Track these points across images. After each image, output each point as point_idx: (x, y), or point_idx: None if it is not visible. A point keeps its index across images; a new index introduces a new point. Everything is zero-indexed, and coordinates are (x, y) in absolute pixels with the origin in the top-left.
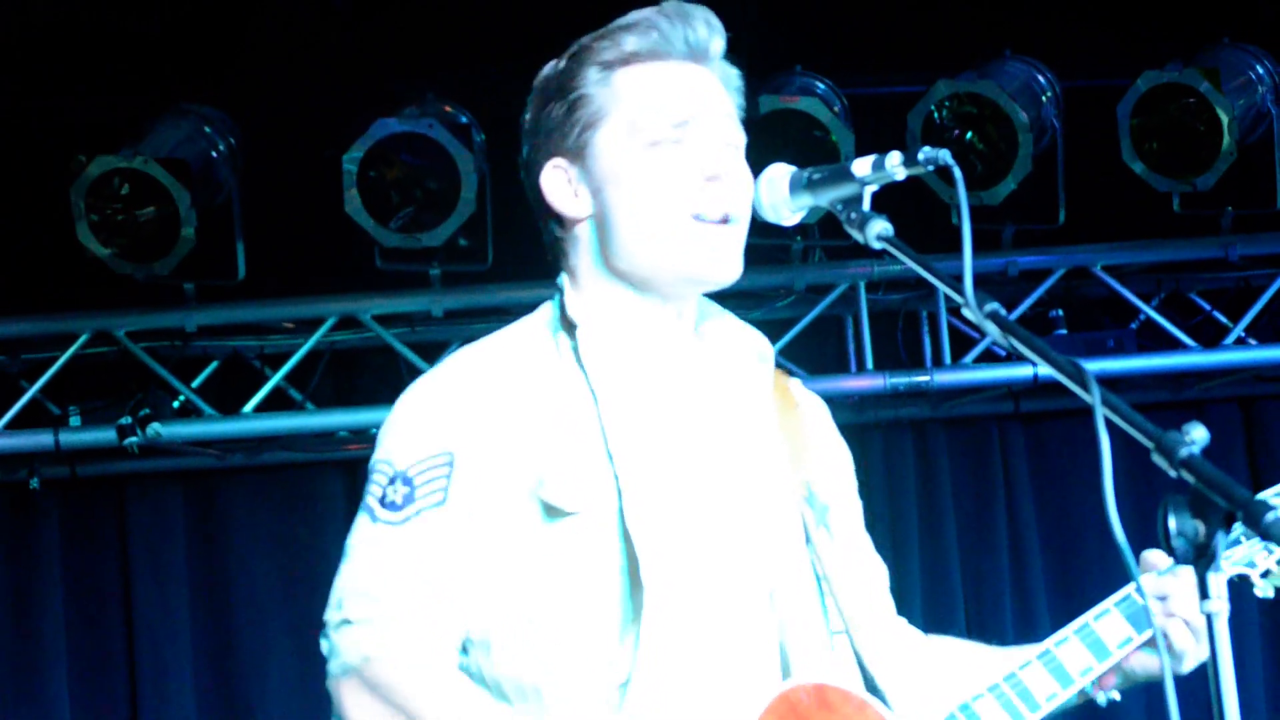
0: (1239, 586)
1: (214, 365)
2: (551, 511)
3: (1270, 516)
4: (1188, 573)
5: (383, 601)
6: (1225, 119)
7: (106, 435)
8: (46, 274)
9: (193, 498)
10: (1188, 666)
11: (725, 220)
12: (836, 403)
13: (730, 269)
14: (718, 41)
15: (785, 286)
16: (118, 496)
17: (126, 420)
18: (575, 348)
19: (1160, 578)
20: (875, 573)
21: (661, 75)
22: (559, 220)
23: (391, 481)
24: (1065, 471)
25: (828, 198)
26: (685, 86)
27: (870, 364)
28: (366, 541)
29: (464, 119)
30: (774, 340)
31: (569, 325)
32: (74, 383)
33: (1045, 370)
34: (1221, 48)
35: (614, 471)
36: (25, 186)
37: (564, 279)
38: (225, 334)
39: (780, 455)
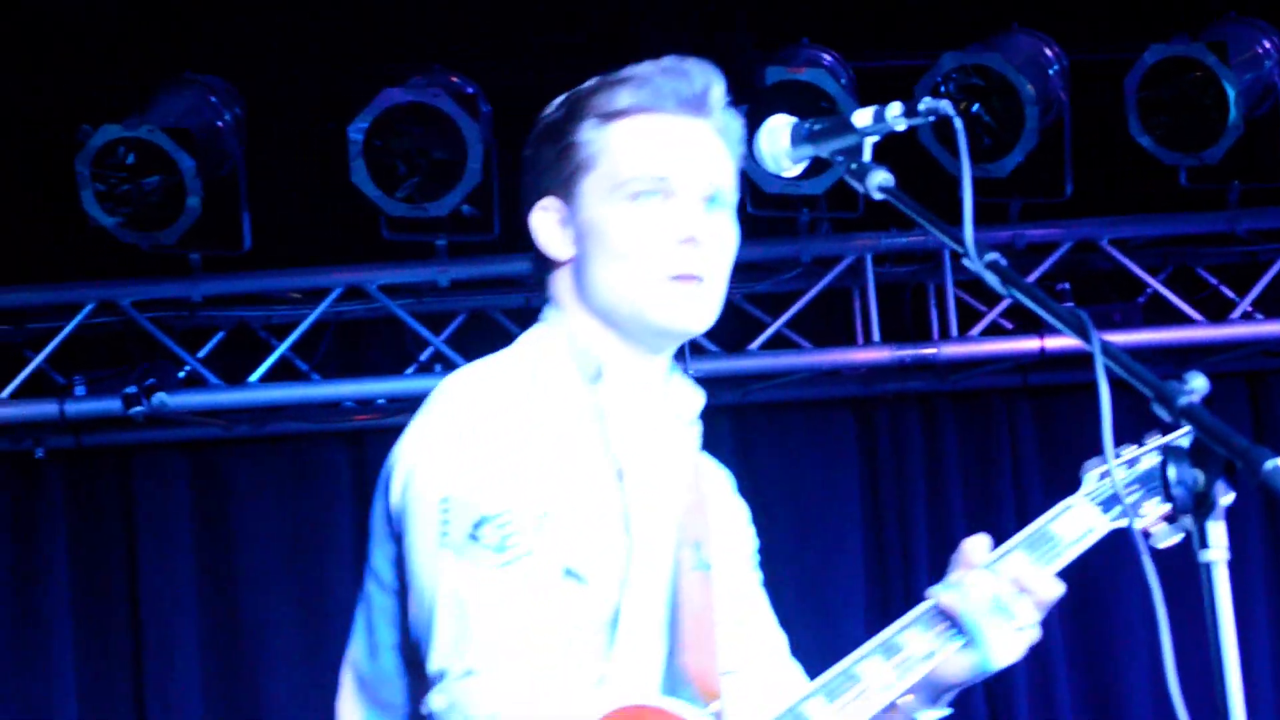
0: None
1: (220, 335)
2: (570, 574)
3: (1269, 464)
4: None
5: (506, 648)
6: (1232, 92)
7: (112, 405)
8: (51, 243)
9: (198, 468)
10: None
11: (698, 279)
12: (844, 375)
13: (701, 321)
14: (715, 91)
15: (792, 259)
16: (123, 466)
17: (132, 390)
18: (598, 406)
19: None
20: (763, 634)
21: (650, 129)
22: (546, 260)
23: (479, 524)
24: (1072, 445)
25: (828, 149)
26: (672, 141)
27: (877, 336)
28: (470, 585)
29: (470, 89)
30: (780, 312)
31: (589, 370)
32: (79, 352)
33: (1052, 343)
34: (1229, 21)
35: (630, 551)
36: (30, 155)
37: (551, 310)
38: (231, 304)
39: (683, 508)
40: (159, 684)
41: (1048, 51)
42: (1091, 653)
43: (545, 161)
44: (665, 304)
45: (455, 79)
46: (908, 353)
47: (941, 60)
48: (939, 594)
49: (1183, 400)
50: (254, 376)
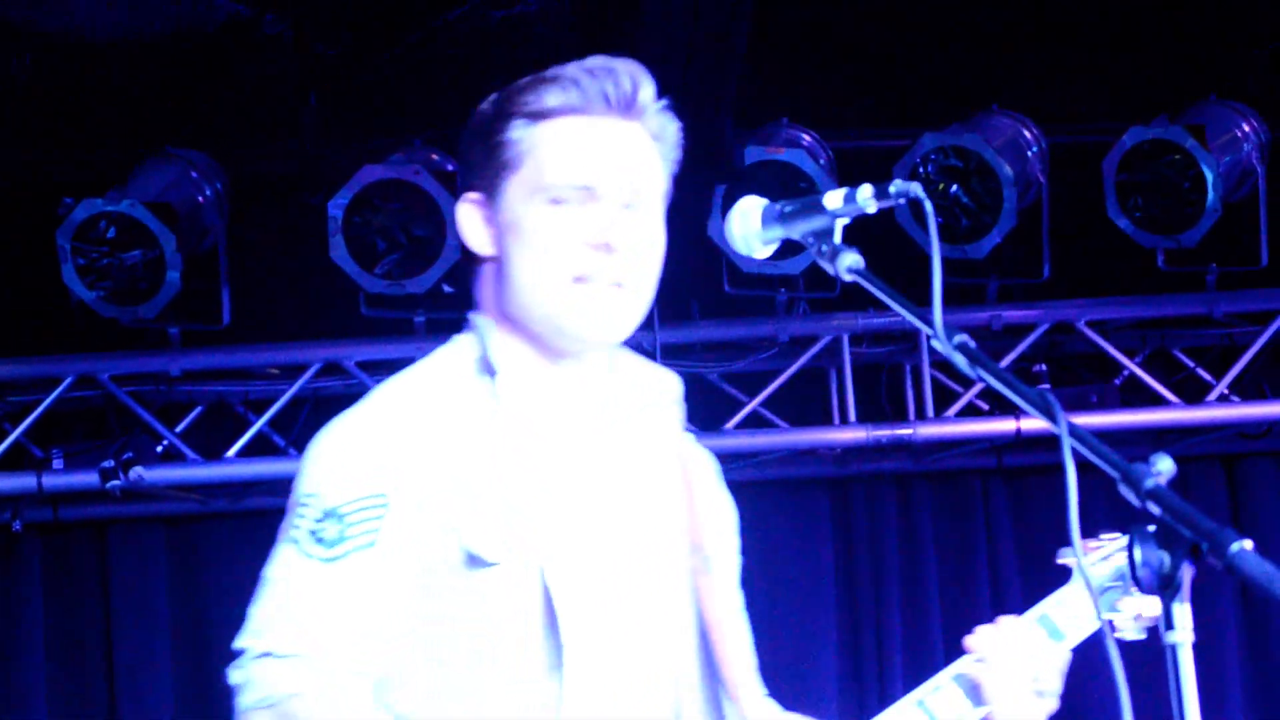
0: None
1: (198, 410)
2: (473, 560)
3: (1235, 547)
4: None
5: (310, 637)
6: (1210, 175)
7: (89, 478)
8: (31, 317)
9: (175, 542)
10: None
11: (617, 285)
12: (820, 455)
13: (612, 330)
14: (645, 92)
15: (769, 338)
16: (100, 540)
17: (109, 464)
18: (495, 394)
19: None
20: (745, 631)
21: (575, 132)
22: (470, 255)
23: (322, 518)
24: (1047, 526)
25: (799, 230)
26: (597, 145)
27: (853, 416)
28: (295, 575)
29: (450, 166)
30: (756, 392)
31: (489, 368)
32: (58, 426)
33: (1028, 425)
34: (1208, 104)
35: (534, 525)
36: (11, 228)
37: (479, 316)
38: (209, 379)
39: (676, 505)
40: None
41: (1026, 133)
42: None
43: (474, 157)
44: (571, 310)
45: (435, 156)
46: (884, 433)
47: (921, 141)
48: (964, 662)
49: (1149, 483)
50: (231, 451)
